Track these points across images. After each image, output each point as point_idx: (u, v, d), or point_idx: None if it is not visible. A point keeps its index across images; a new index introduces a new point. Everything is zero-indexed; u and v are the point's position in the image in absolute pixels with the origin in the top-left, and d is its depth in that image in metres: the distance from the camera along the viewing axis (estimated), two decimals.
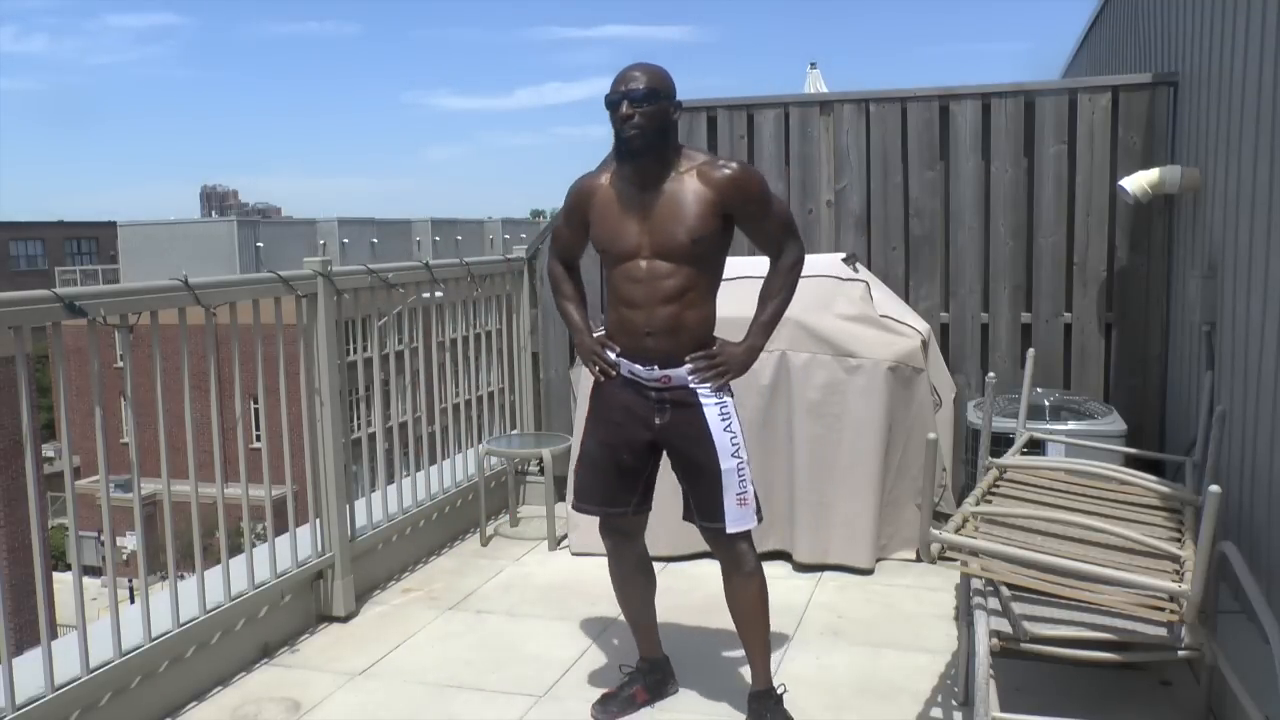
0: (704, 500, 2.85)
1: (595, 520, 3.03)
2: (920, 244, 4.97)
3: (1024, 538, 2.76)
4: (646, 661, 3.15)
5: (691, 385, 2.81)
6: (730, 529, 2.82)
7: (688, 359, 2.81)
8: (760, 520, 2.88)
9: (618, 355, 2.85)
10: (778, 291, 2.95)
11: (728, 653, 3.42)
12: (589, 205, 2.87)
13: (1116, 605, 2.48)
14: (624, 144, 2.72)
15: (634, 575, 3.10)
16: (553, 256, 3.10)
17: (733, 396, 2.89)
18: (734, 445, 2.82)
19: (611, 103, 2.71)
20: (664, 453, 2.92)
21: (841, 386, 4.14)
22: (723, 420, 2.82)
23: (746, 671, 3.27)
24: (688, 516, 2.94)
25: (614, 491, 2.94)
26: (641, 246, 2.75)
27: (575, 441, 4.65)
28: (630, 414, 2.85)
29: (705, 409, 2.82)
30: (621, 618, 3.27)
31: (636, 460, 2.90)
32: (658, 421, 2.84)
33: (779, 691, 2.94)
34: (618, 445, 2.89)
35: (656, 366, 2.80)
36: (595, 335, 2.95)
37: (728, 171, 2.76)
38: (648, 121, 2.69)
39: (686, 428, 2.82)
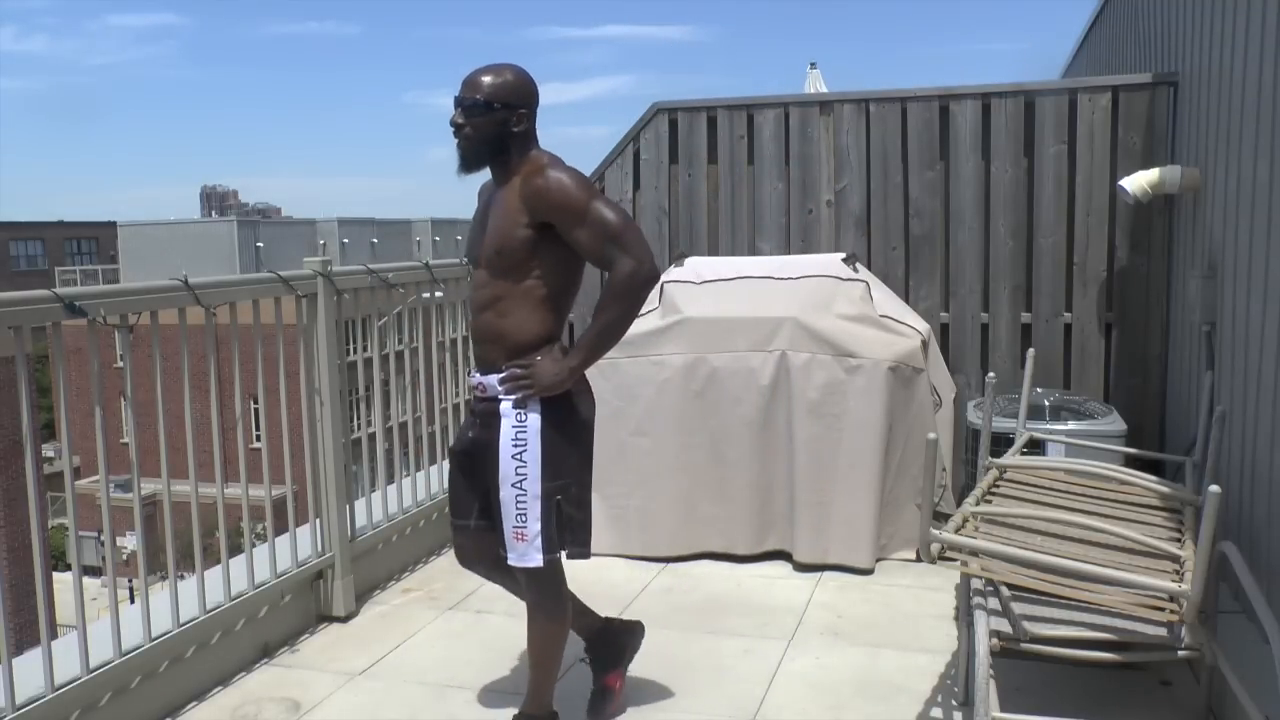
0: (498, 523, 2.69)
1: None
2: (920, 244, 4.97)
3: (1024, 538, 2.76)
4: (595, 637, 3.02)
5: (500, 396, 2.66)
6: (510, 561, 2.66)
7: (503, 367, 2.66)
8: (545, 561, 2.64)
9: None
10: (602, 309, 2.63)
11: (728, 653, 3.42)
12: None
13: (1116, 605, 2.48)
14: (456, 151, 2.68)
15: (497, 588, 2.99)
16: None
17: (548, 419, 2.64)
18: (518, 473, 2.61)
19: (455, 103, 2.66)
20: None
21: (841, 386, 4.14)
22: (515, 443, 2.62)
23: (747, 671, 3.28)
24: None
25: (464, 505, 2.83)
26: (475, 253, 2.76)
27: None
28: (463, 426, 2.87)
29: (501, 423, 2.64)
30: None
31: (467, 472, 2.80)
32: (470, 435, 2.78)
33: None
34: (458, 455, 2.84)
35: (478, 374, 2.73)
36: None
37: (537, 181, 2.59)
38: (475, 132, 2.62)
39: (488, 445, 2.68)
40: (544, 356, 2.64)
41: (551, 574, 2.71)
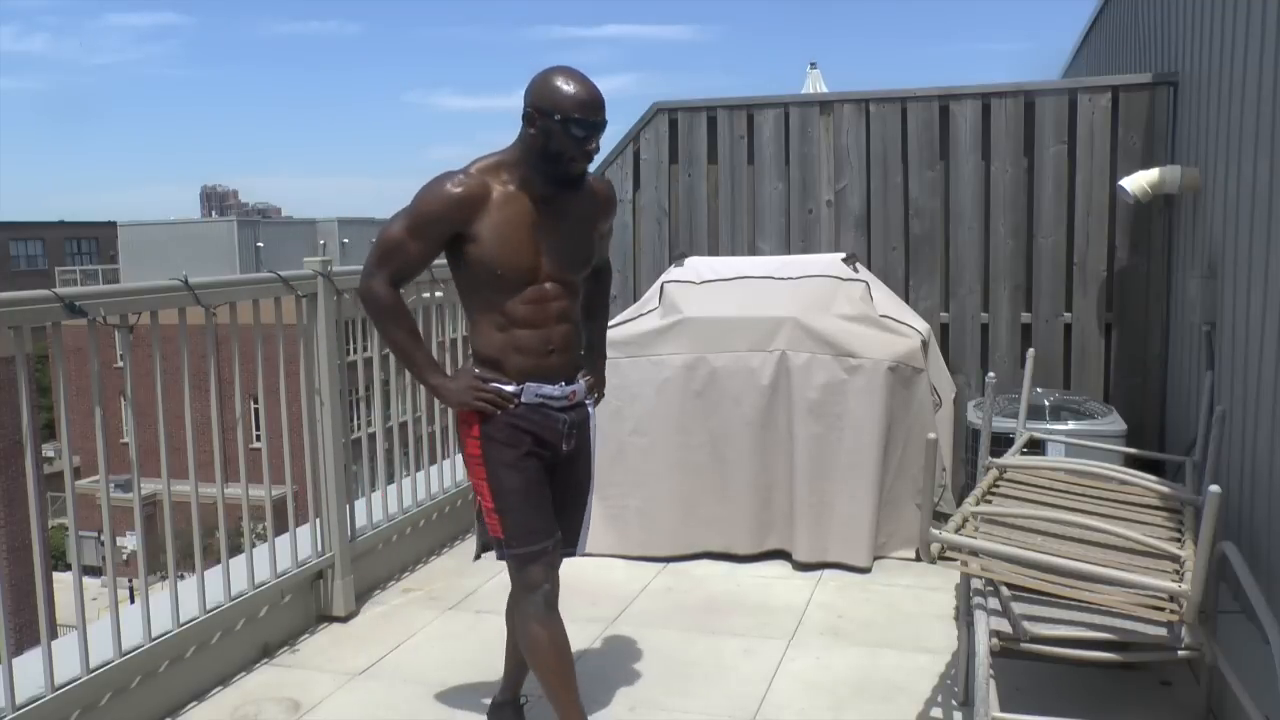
0: (573, 526, 2.74)
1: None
2: (920, 244, 4.97)
3: (1024, 538, 2.76)
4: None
5: (587, 402, 2.74)
6: (578, 552, 2.78)
7: (581, 376, 2.71)
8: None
9: (511, 385, 2.59)
10: (604, 310, 2.98)
11: (728, 653, 3.42)
12: (469, 220, 2.52)
13: (1116, 605, 2.48)
14: (573, 173, 2.55)
15: (563, 640, 2.65)
16: (384, 279, 2.58)
17: None
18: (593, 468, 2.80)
19: (586, 125, 2.46)
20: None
21: (841, 386, 4.14)
22: (594, 442, 2.80)
23: (747, 671, 3.27)
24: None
25: (551, 521, 2.65)
26: (539, 269, 2.57)
27: None
28: (537, 440, 2.62)
29: (592, 426, 2.77)
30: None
31: (542, 485, 2.69)
32: (565, 448, 2.68)
33: (521, 701, 2.93)
34: (539, 467, 2.64)
35: (562, 384, 2.65)
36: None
37: (605, 189, 2.75)
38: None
39: (581, 450, 2.73)
40: (596, 362, 2.82)
41: None
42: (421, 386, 3.26)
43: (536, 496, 2.62)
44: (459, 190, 2.50)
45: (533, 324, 2.57)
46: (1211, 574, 2.49)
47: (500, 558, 2.65)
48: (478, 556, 2.80)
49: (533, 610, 2.59)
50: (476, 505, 2.70)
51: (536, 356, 2.59)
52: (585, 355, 2.79)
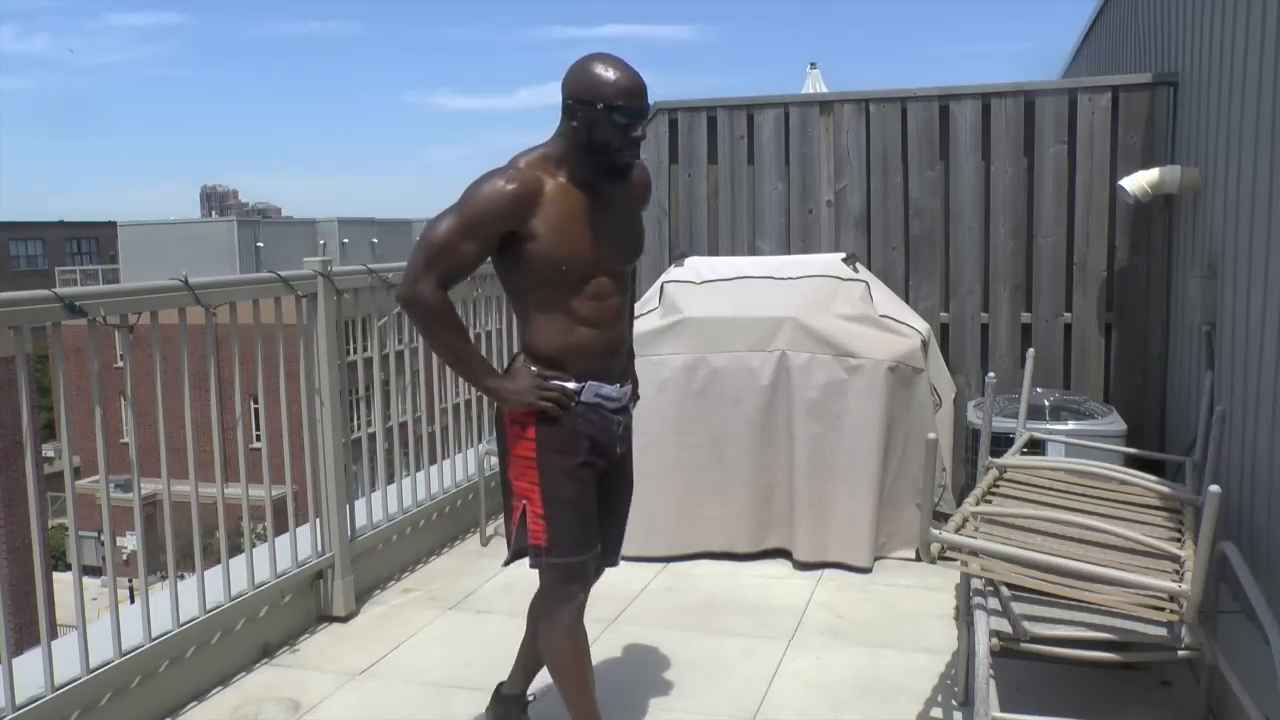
0: (618, 536, 2.72)
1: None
2: (920, 244, 4.97)
3: (1024, 538, 2.76)
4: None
5: (629, 405, 2.69)
6: (616, 564, 2.76)
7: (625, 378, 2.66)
8: None
9: (571, 382, 2.50)
10: (633, 305, 2.87)
11: (728, 653, 3.42)
12: (526, 216, 2.41)
13: (1116, 605, 2.48)
14: (623, 163, 2.45)
15: (587, 651, 2.63)
16: (436, 282, 2.43)
17: None
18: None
19: (631, 111, 2.37)
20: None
21: (841, 386, 4.15)
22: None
23: (747, 671, 3.27)
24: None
25: (594, 529, 2.58)
26: (599, 263, 2.49)
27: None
28: (594, 444, 2.55)
29: (633, 428, 2.71)
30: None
31: (591, 492, 2.61)
32: (618, 450, 2.63)
33: (529, 699, 2.92)
34: (594, 474, 2.57)
35: (617, 386, 2.58)
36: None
37: (645, 177, 2.68)
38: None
39: (626, 455, 2.68)
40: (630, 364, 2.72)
41: None
42: (422, 386, 3.23)
43: (587, 508, 2.54)
44: (514, 187, 2.38)
45: (595, 321, 2.49)
46: (1211, 574, 2.49)
47: (534, 566, 2.56)
48: (509, 562, 2.72)
49: (564, 621, 2.56)
50: (521, 508, 2.55)
51: (598, 356, 2.52)
52: None
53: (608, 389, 2.54)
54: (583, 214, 2.44)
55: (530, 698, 2.92)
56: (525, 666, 2.89)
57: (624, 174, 2.48)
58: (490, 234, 2.41)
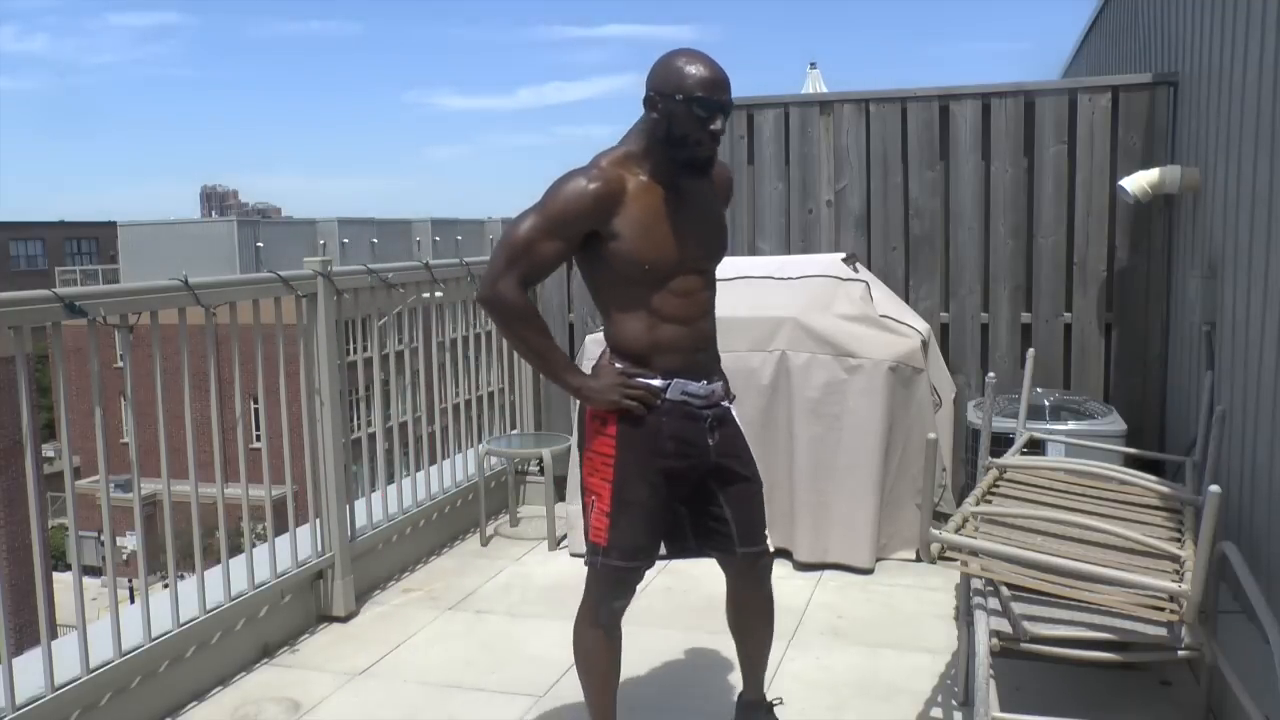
0: (750, 522, 2.62)
1: None
2: (920, 244, 4.97)
3: (1024, 538, 2.76)
4: None
5: (725, 402, 2.64)
6: (763, 547, 2.65)
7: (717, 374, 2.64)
8: None
9: (657, 379, 2.50)
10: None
11: (727, 654, 3.42)
12: (614, 213, 2.41)
13: (1116, 605, 2.48)
14: (701, 157, 2.44)
15: (619, 653, 2.64)
16: (516, 282, 2.45)
17: None
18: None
19: (709, 104, 2.37)
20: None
21: (841, 386, 4.15)
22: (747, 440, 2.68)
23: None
24: (720, 548, 2.64)
25: (657, 541, 2.58)
26: (682, 260, 2.49)
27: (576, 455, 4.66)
28: (683, 442, 2.52)
29: (738, 425, 2.65)
30: (623, 618, 3.23)
31: (681, 498, 2.59)
32: (710, 443, 2.56)
33: (774, 703, 2.86)
34: (675, 481, 2.54)
35: (704, 382, 2.55)
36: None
37: (726, 173, 2.67)
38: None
39: (733, 444, 2.62)
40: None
41: None
42: (422, 386, 3.22)
43: (654, 514, 2.52)
44: (596, 186, 2.39)
45: (682, 319, 2.49)
46: (1211, 574, 2.49)
47: (588, 564, 2.56)
48: (567, 551, 2.71)
49: (603, 622, 2.57)
50: (590, 504, 2.54)
51: (685, 353, 2.51)
52: None
53: (694, 386, 2.52)
54: (666, 212, 2.44)
55: (777, 701, 2.87)
56: (753, 668, 2.86)
57: (704, 169, 2.47)
58: (572, 234, 2.42)
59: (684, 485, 2.56)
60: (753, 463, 2.66)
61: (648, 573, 2.58)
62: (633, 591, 2.59)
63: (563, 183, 2.42)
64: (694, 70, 2.37)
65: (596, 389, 2.49)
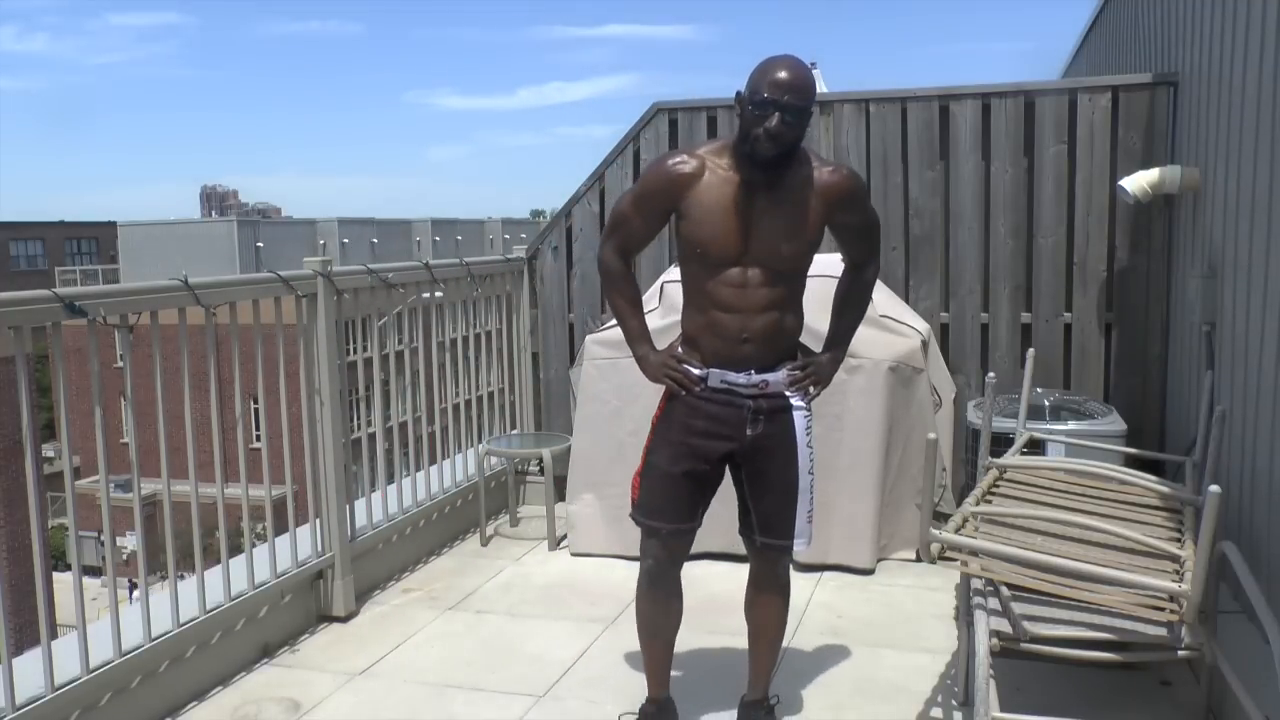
0: (775, 515, 2.75)
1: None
2: (920, 244, 4.96)
3: (1024, 538, 2.76)
4: (654, 704, 2.93)
5: (787, 393, 2.69)
6: (797, 546, 2.78)
7: (787, 367, 2.69)
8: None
9: (703, 365, 2.66)
10: (854, 306, 2.90)
11: (728, 654, 3.42)
12: (681, 197, 2.58)
13: (1116, 605, 2.48)
14: (759, 155, 2.49)
15: (672, 601, 2.85)
16: (612, 248, 2.76)
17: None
18: (811, 460, 2.74)
19: (765, 103, 2.43)
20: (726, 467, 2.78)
21: (841, 386, 4.14)
22: (807, 433, 2.72)
23: (747, 671, 3.27)
24: (745, 531, 2.84)
25: (686, 507, 2.74)
26: (745, 253, 2.57)
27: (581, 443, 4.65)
28: (717, 423, 2.66)
29: (794, 417, 2.70)
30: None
31: (714, 473, 2.75)
32: (749, 432, 2.67)
33: (772, 703, 2.93)
34: (699, 457, 2.69)
35: (753, 372, 2.64)
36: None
37: (832, 177, 2.61)
38: (794, 137, 2.48)
39: (774, 439, 2.69)
40: (822, 355, 2.79)
41: None
42: (422, 386, 3.24)
43: (675, 482, 2.70)
44: (675, 167, 2.58)
45: (731, 308, 2.60)
46: (1211, 574, 2.49)
47: (630, 515, 2.81)
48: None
49: (641, 578, 2.83)
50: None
51: (729, 342, 2.62)
52: (810, 348, 2.78)
53: (734, 375, 2.63)
54: (734, 203, 2.55)
55: (776, 700, 2.96)
56: (756, 670, 2.96)
57: (768, 167, 2.51)
58: (651, 209, 2.67)
59: (714, 464, 2.72)
60: (793, 466, 2.73)
61: None
62: (669, 554, 2.77)
63: (655, 162, 2.71)
64: (764, 70, 2.48)
65: (651, 362, 2.75)
